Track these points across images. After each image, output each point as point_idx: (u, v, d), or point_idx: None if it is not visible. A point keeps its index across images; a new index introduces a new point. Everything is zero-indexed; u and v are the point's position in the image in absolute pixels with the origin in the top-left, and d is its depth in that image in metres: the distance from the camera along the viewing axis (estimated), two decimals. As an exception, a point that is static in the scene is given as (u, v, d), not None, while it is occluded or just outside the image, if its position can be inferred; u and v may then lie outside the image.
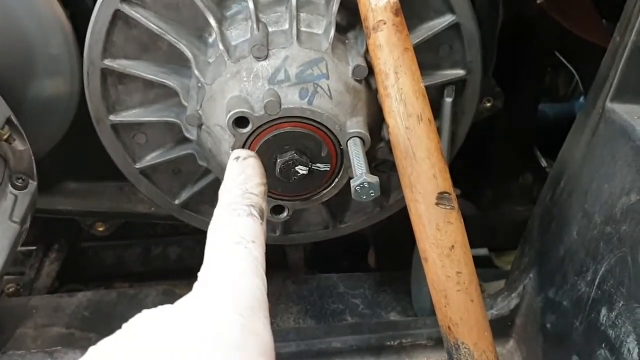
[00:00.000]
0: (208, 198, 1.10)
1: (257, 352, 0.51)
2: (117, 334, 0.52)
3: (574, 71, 1.52)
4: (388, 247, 1.50)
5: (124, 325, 0.53)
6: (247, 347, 0.51)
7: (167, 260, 1.57)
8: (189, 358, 0.49)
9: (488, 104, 1.17)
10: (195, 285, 0.57)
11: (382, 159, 1.00)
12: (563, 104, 1.79)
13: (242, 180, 0.68)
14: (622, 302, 0.75)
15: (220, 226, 0.63)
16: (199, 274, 0.59)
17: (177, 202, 1.09)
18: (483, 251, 1.71)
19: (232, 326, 0.51)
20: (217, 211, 0.65)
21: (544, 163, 1.49)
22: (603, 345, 0.78)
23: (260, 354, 0.52)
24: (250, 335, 0.52)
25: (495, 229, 1.54)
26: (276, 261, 1.47)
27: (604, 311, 0.78)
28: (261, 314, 0.54)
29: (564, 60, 1.46)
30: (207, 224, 1.09)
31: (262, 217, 0.65)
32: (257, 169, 0.71)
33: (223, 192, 0.68)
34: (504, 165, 1.52)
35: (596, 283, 0.80)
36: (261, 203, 0.66)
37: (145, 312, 0.54)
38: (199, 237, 1.55)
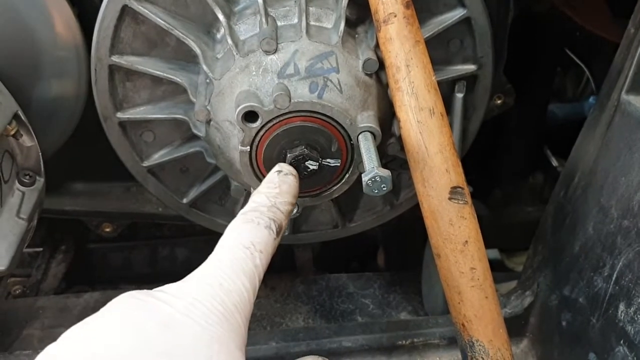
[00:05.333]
0: (216, 197, 1.09)
1: (235, 346, 0.55)
2: (96, 317, 0.54)
3: (585, 68, 1.51)
4: (398, 246, 1.49)
5: (107, 306, 0.55)
6: (229, 341, 0.55)
7: (174, 262, 1.55)
8: (172, 343, 0.51)
9: (499, 101, 1.15)
10: (195, 271, 0.61)
11: (392, 155, 0.98)
12: (573, 104, 1.78)
13: (274, 194, 0.72)
14: (641, 297, 0.73)
15: (237, 228, 0.67)
16: (203, 264, 0.62)
17: (185, 201, 1.08)
18: (493, 253, 1.69)
19: (216, 318, 0.55)
20: (240, 215, 0.69)
21: (555, 163, 1.47)
22: (621, 342, 0.76)
23: (238, 348, 0.56)
24: (232, 331, 0.56)
25: (505, 229, 1.52)
26: (285, 262, 1.46)
27: (622, 307, 0.76)
28: (243, 315, 0.59)
29: (575, 58, 1.45)
30: (215, 223, 1.11)
31: (278, 234, 0.68)
32: (293, 189, 0.74)
33: (253, 197, 0.72)
34: (514, 164, 1.50)
35: (614, 278, 0.78)
36: (283, 221, 0.70)
37: (131, 293, 0.56)
38: (207, 237, 1.55)
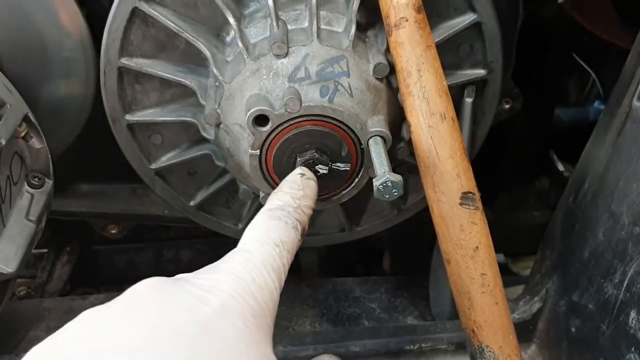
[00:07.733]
0: (223, 199, 1.09)
1: (269, 348, 0.54)
2: (117, 308, 0.51)
3: (592, 74, 1.51)
4: (403, 251, 1.48)
5: (129, 294, 0.52)
6: (265, 343, 0.54)
7: (179, 264, 1.55)
8: (212, 349, 0.49)
9: (507, 106, 1.15)
10: (222, 261, 0.59)
11: (400, 160, 0.98)
12: (578, 108, 1.77)
13: (299, 196, 0.71)
14: (653, 305, 0.73)
15: (266, 224, 0.65)
16: (233, 251, 0.61)
17: (192, 203, 1.07)
18: (498, 257, 1.68)
19: (251, 318, 0.53)
20: (267, 210, 0.68)
21: (561, 167, 1.47)
22: (632, 349, 0.76)
23: (271, 349, 0.55)
24: (265, 332, 0.55)
25: (511, 234, 1.52)
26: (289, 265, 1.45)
27: (633, 314, 0.76)
28: (272, 314, 0.58)
29: (582, 63, 1.45)
30: (222, 225, 1.11)
31: (302, 236, 0.68)
32: (314, 193, 0.74)
33: (277, 196, 0.71)
34: (520, 169, 1.50)
35: (625, 285, 0.78)
36: (306, 224, 0.70)
37: (154, 282, 0.53)
38: (212, 240, 1.54)
